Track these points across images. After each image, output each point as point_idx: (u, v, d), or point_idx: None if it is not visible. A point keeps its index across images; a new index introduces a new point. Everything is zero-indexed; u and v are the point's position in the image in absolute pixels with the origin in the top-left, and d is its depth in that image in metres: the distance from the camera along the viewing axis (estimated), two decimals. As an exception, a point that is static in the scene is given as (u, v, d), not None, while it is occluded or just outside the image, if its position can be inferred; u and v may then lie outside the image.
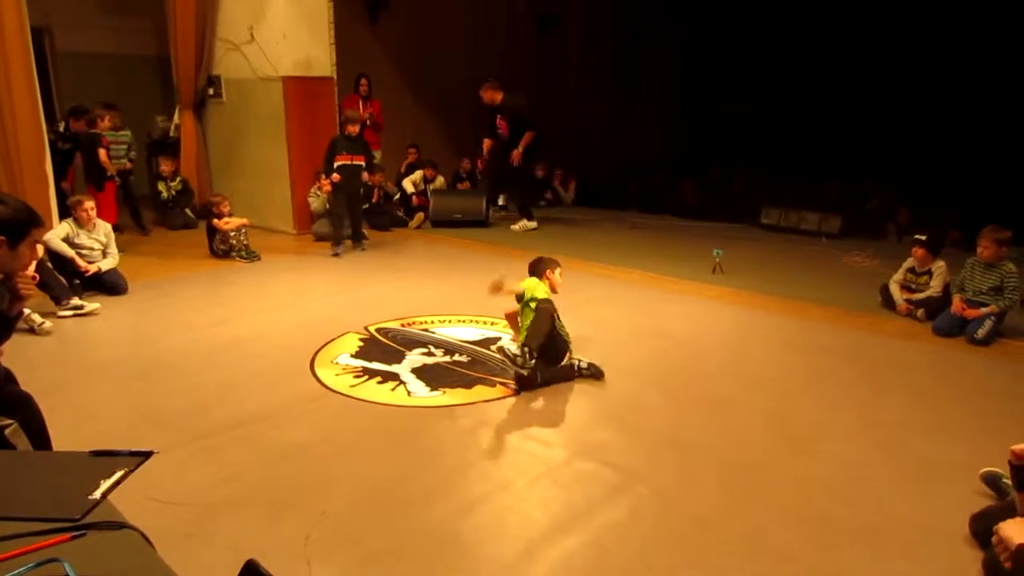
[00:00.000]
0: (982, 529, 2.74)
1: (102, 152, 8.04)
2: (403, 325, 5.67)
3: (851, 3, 12.82)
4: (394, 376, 4.64)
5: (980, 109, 11.28)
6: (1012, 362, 5.03)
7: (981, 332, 5.30)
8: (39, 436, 2.74)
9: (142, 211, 9.07)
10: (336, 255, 8.06)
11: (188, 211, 9.60)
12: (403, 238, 9.28)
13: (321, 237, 8.86)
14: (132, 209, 9.00)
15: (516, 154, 9.32)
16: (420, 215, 10.00)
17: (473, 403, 4.26)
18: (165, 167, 9.46)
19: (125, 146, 8.90)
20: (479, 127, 10.36)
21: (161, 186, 9.48)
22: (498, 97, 9.40)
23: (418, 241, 9.10)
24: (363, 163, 8.12)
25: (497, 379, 4.60)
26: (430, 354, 5.04)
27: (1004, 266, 5.45)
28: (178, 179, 9.52)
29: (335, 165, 7.92)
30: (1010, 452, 2.68)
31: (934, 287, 5.90)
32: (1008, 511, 2.63)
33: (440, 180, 10.61)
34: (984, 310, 5.39)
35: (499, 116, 9.44)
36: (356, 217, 8.39)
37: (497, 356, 4.95)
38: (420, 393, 4.39)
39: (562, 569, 2.75)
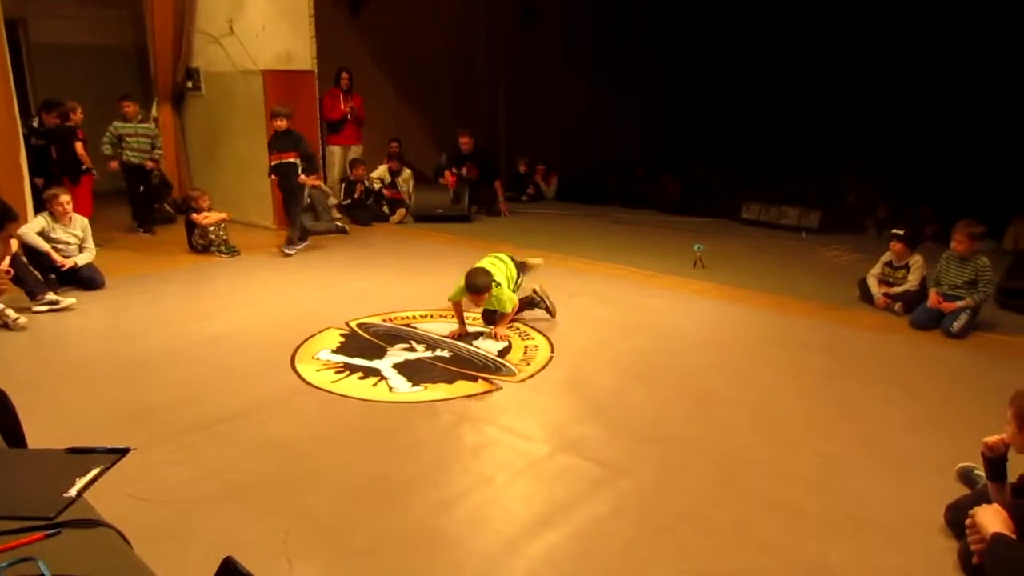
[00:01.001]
0: (957, 519, 2.78)
1: (79, 145, 7.92)
2: (384, 320, 5.65)
3: (830, 1, 12.90)
4: (375, 372, 4.62)
5: (956, 104, 11.40)
6: (987, 355, 5.10)
7: (956, 325, 5.37)
8: (13, 434, 2.69)
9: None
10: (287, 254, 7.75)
11: (167, 206, 9.49)
12: (384, 233, 9.24)
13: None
14: (138, 208, 8.78)
15: (504, 207, 10.53)
16: (402, 211, 9.96)
17: (455, 398, 4.25)
18: None
19: (149, 140, 8.60)
20: (460, 121, 11.03)
21: None
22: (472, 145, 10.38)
23: (399, 236, 9.06)
24: (294, 159, 7.69)
25: (479, 374, 4.59)
26: (412, 349, 5.03)
27: (978, 260, 5.52)
28: (154, 172, 9.39)
29: (270, 166, 7.78)
30: (982, 444, 2.73)
31: (911, 281, 5.96)
32: (981, 500, 2.67)
33: (407, 173, 10.48)
34: (959, 303, 5.45)
35: (470, 162, 10.31)
36: (292, 216, 7.95)
37: (480, 352, 4.97)
38: (402, 389, 4.38)
39: (544, 564, 2.76)
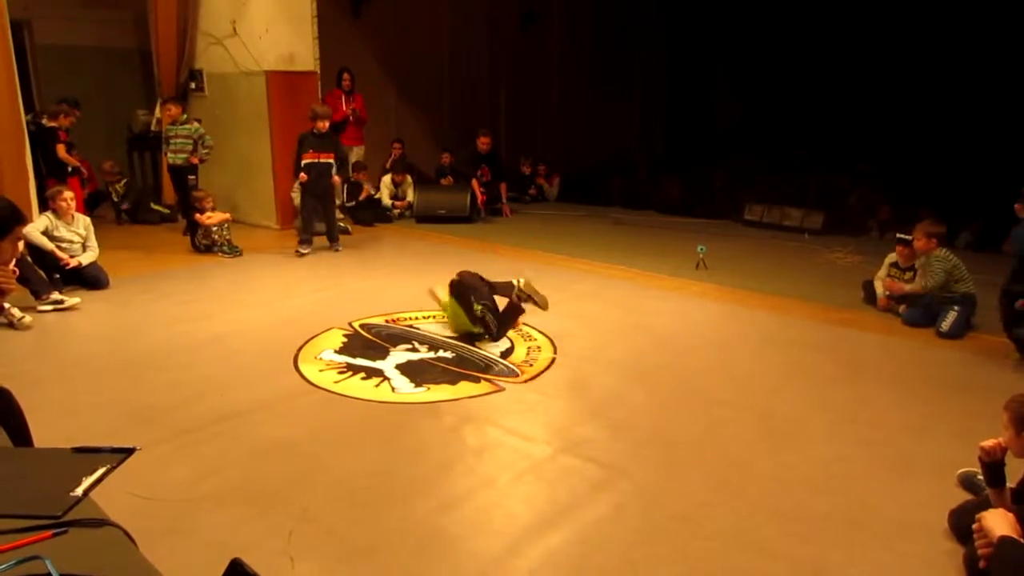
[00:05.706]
0: (961, 524, 2.77)
1: (60, 148, 7.93)
2: (387, 321, 5.66)
3: (831, 2, 12.90)
4: (378, 372, 4.63)
5: (958, 106, 11.38)
6: (988, 357, 5.08)
7: (945, 324, 5.45)
8: (19, 432, 2.70)
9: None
10: (300, 255, 7.80)
11: (156, 207, 9.51)
12: (388, 234, 9.26)
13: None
14: (183, 208, 8.67)
15: (507, 209, 10.60)
16: (401, 203, 10.10)
17: (457, 399, 4.26)
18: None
19: (191, 141, 8.43)
20: (462, 122, 11.36)
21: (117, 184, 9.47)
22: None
23: (402, 237, 9.08)
24: (332, 161, 7.86)
25: (482, 375, 4.60)
26: (414, 350, 5.04)
27: (931, 254, 5.71)
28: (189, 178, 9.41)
29: (303, 163, 7.72)
30: (979, 448, 2.71)
31: (917, 283, 5.95)
32: (985, 506, 2.67)
33: (408, 179, 10.49)
34: (907, 287, 5.84)
35: (484, 165, 10.44)
36: (330, 218, 8.12)
37: (483, 353, 4.98)
38: (404, 389, 4.39)
39: (546, 565, 2.76)
